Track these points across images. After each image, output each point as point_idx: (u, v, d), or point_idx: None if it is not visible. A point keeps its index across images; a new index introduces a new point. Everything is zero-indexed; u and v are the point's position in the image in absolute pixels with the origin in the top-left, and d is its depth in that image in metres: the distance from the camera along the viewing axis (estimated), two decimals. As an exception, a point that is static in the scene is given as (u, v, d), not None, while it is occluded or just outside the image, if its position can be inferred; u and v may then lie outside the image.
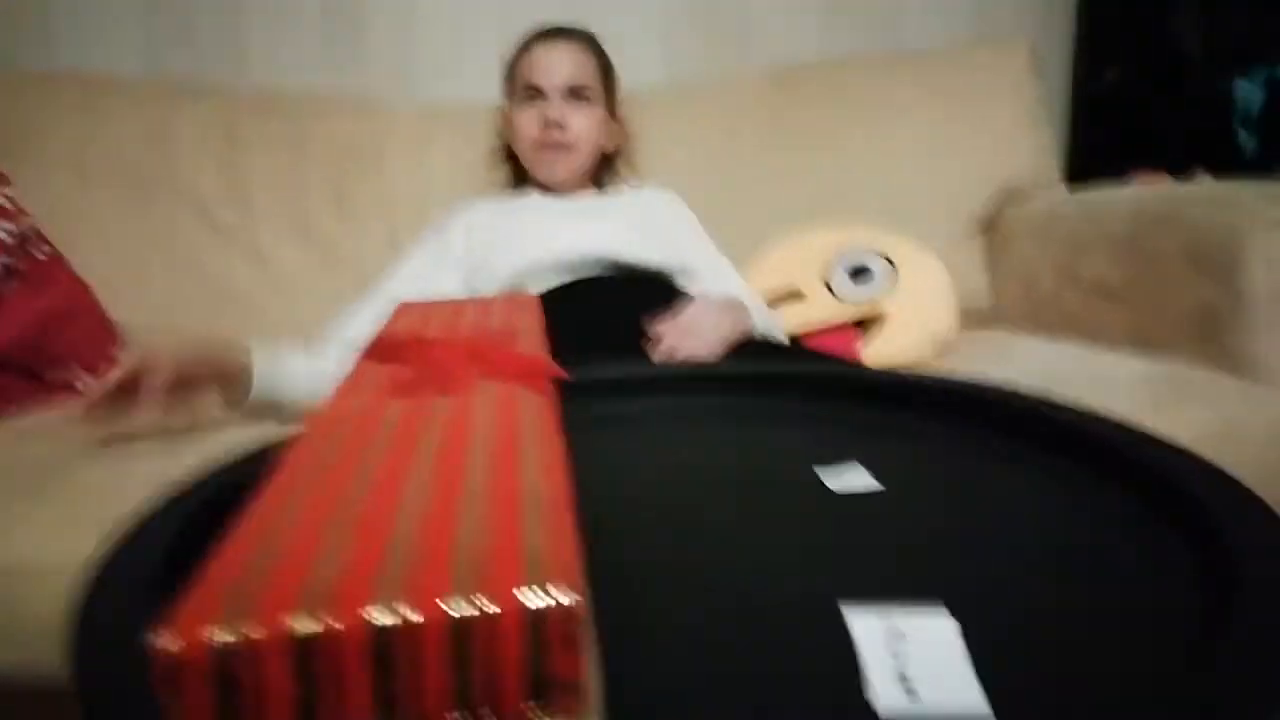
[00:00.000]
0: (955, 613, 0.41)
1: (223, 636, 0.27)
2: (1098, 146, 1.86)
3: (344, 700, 0.28)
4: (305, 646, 0.27)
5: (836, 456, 0.62)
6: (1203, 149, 1.73)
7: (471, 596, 0.28)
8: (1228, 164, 1.70)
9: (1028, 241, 1.48)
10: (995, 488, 0.57)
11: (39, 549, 0.81)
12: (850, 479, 0.58)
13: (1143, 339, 1.22)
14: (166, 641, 0.27)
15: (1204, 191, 1.22)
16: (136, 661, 0.34)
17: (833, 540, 0.50)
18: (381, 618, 0.28)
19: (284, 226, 1.48)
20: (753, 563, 0.48)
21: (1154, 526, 0.50)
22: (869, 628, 0.40)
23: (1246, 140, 1.71)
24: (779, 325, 1.29)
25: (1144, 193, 1.33)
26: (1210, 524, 0.46)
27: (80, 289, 1.32)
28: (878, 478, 0.58)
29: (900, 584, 0.45)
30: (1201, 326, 1.15)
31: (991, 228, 1.57)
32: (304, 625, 0.27)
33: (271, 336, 1.41)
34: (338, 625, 0.27)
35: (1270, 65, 1.69)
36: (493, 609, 0.28)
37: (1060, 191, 1.58)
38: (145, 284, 1.42)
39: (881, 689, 0.36)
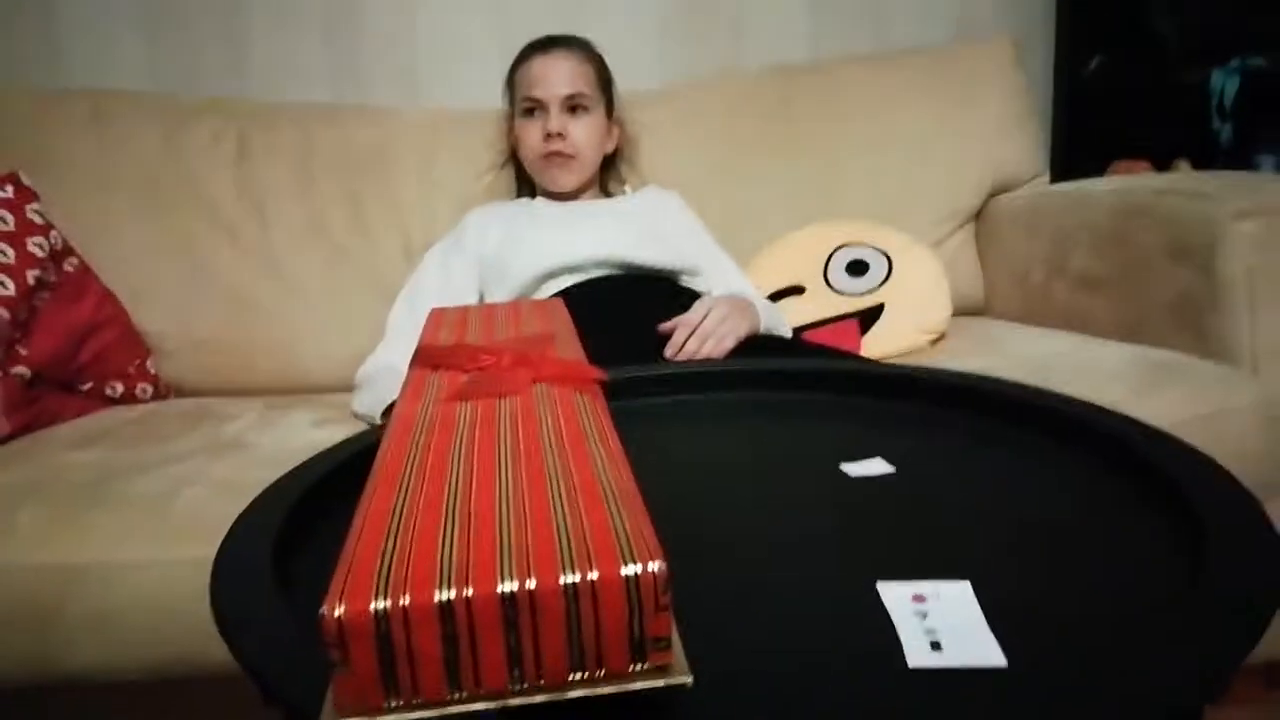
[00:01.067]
0: (971, 577, 0.47)
1: (381, 605, 0.33)
2: (1082, 138, 1.93)
3: (480, 658, 0.34)
4: (447, 612, 0.33)
5: (854, 444, 0.68)
6: (1183, 138, 1.80)
7: (577, 568, 0.34)
8: (1207, 153, 1.77)
9: (1016, 234, 1.54)
10: (998, 470, 0.63)
11: (99, 552, 0.86)
12: (869, 467, 0.65)
13: (1129, 328, 1.29)
14: (335, 610, 0.32)
15: (1180, 183, 1.29)
16: (281, 632, 0.40)
17: (858, 521, 0.56)
18: (507, 586, 0.33)
19: (298, 234, 1.52)
20: (786, 544, 0.54)
21: (1136, 501, 0.57)
22: (897, 596, 0.46)
23: (1222, 129, 1.77)
24: (784, 320, 1.35)
25: (1124, 185, 1.40)
26: (1185, 498, 0.52)
27: (108, 299, 1.37)
28: (891, 461, 0.65)
29: (920, 557, 0.51)
30: (1183, 314, 1.21)
31: (981, 221, 1.63)
32: (444, 594, 0.33)
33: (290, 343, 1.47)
34: (472, 593, 0.33)
35: (1243, 56, 1.76)
36: (596, 576, 0.34)
37: (1045, 184, 1.64)
38: (165, 293, 1.46)
39: (911, 648, 0.42)
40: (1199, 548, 0.48)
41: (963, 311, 1.57)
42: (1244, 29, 1.77)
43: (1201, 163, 1.76)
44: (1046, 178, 1.67)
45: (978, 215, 1.64)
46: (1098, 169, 1.81)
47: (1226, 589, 0.42)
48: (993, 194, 1.63)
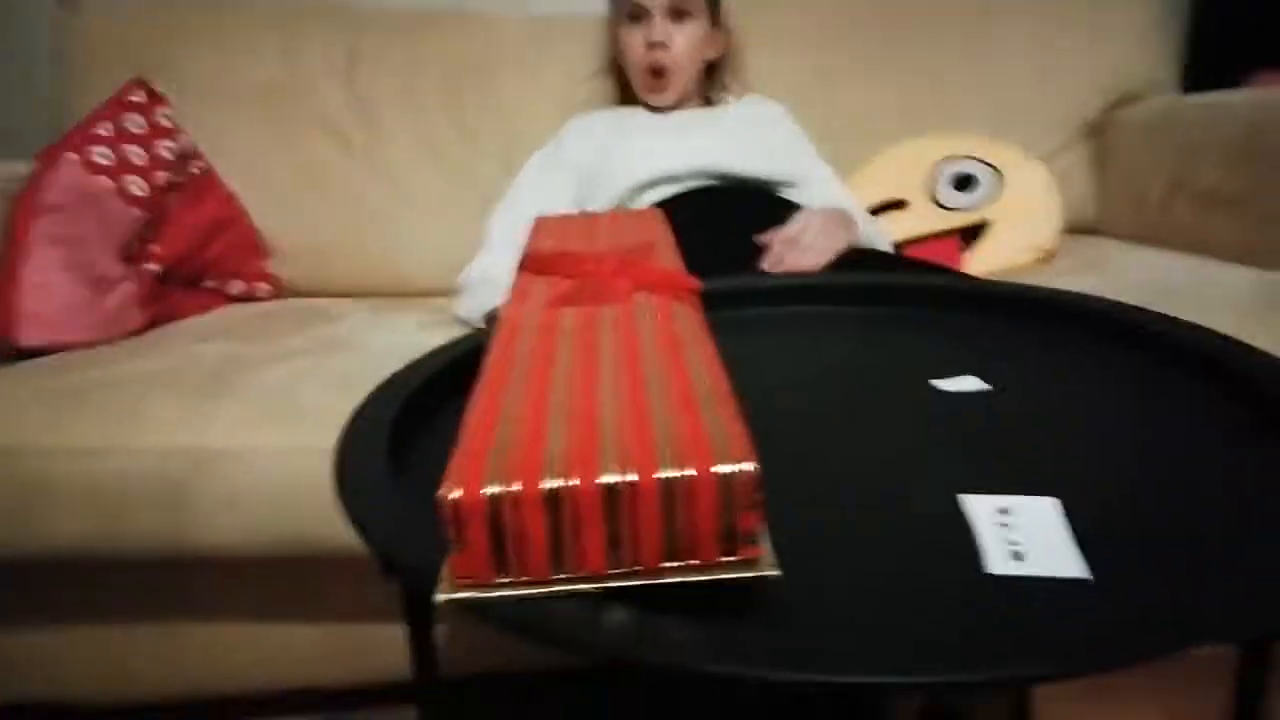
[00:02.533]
0: (1061, 496, 0.48)
1: (494, 490, 0.36)
2: (1219, 48, 1.80)
3: (582, 543, 0.36)
4: (553, 499, 0.36)
5: (949, 361, 0.68)
6: (1333, 48, 1.66)
7: (674, 465, 0.36)
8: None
9: (1138, 149, 1.46)
10: (1100, 393, 0.62)
11: (228, 438, 0.93)
12: (962, 384, 0.65)
13: (1256, 250, 1.22)
14: (453, 493, 0.35)
15: (1328, 96, 1.20)
16: (399, 513, 0.44)
17: (946, 436, 0.57)
18: (609, 478, 0.36)
19: (405, 142, 1.55)
20: (871, 456, 0.55)
21: (1244, 428, 0.56)
22: (981, 509, 0.47)
23: (1380, 38, 1.63)
24: (884, 235, 1.32)
25: (1263, 96, 1.31)
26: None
27: (231, 201, 1.43)
28: (986, 380, 0.64)
29: (1009, 474, 0.52)
30: (1315, 237, 1.15)
31: (1101, 135, 1.55)
32: (551, 482, 0.36)
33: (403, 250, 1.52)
34: (577, 483, 0.36)
35: None
36: (692, 473, 0.36)
37: (1174, 97, 1.55)
38: (282, 199, 1.51)
39: (992, 556, 0.43)
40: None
41: (1075, 230, 1.51)
42: None
43: (1353, 74, 1.63)
44: (1177, 91, 1.57)
45: (1096, 128, 1.56)
46: (1234, 82, 1.69)
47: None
48: (1114, 106, 1.54)
